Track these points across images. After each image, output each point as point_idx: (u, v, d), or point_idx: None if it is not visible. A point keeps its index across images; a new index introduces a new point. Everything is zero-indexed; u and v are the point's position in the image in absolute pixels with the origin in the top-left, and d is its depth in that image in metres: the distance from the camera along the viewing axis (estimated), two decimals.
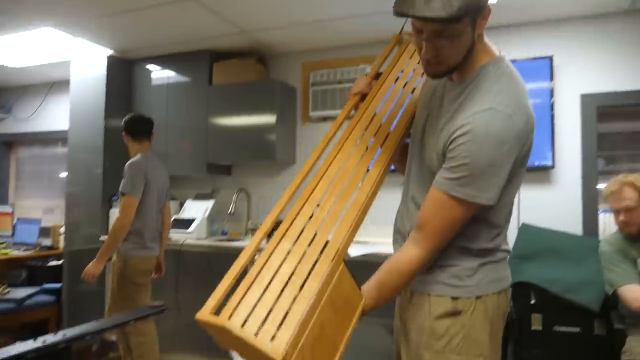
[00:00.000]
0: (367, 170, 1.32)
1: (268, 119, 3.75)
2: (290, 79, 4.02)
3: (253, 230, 4.05)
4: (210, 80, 4.03)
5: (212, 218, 4.00)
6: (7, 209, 5.04)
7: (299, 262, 1.08)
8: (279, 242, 1.11)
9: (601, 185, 3.13)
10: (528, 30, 3.29)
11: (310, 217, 1.18)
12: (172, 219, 3.92)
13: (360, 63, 3.77)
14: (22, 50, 4.10)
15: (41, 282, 4.12)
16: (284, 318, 0.97)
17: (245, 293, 0.99)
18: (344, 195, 1.25)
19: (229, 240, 3.88)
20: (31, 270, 4.31)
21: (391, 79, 1.51)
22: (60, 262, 4.27)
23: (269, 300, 0.99)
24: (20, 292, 3.75)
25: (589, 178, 3.18)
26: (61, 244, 4.43)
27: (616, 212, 2.25)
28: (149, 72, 4.30)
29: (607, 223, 3.10)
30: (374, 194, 1.31)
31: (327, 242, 1.15)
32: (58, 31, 3.62)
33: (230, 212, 3.95)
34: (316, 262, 1.10)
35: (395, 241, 1.40)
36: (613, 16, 3.16)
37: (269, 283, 1.02)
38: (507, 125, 1.10)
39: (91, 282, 2.83)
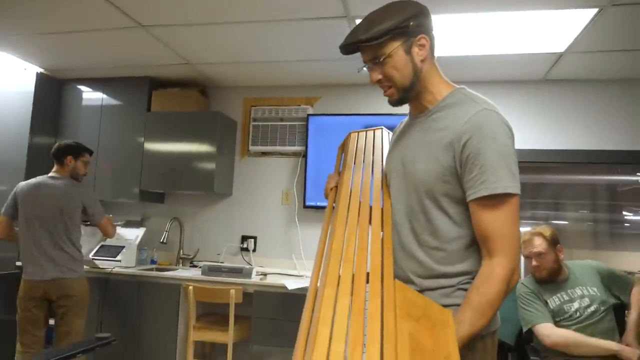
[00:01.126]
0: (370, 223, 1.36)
1: (208, 149, 3.79)
2: (229, 112, 4.10)
3: (184, 260, 4.00)
4: (148, 107, 4.01)
5: (142, 246, 3.91)
6: None
7: (351, 297, 1.05)
8: (323, 290, 1.08)
9: None
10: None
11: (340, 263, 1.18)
12: (100, 245, 3.80)
13: (301, 103, 3.96)
14: None
15: None
16: (364, 341, 0.94)
17: (315, 340, 0.95)
18: (362, 234, 1.27)
19: (157, 269, 3.81)
20: None
21: (350, 163, 1.63)
22: None
23: (341, 334, 0.95)
24: None
25: None
26: None
27: (528, 257, 2.56)
28: (81, 92, 4.18)
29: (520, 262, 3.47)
30: (387, 222, 1.33)
31: (367, 274, 1.14)
32: None
33: (163, 240, 3.89)
34: (366, 290, 1.09)
35: None
36: (530, 83, 3.62)
37: (332, 324, 0.98)
38: (502, 119, 1.21)
39: None
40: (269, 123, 3.95)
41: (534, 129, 3.60)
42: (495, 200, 1.16)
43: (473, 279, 1.19)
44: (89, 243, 3.79)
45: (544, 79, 3.58)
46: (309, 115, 3.84)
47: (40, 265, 2.91)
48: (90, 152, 3.23)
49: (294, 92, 4.03)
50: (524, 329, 2.51)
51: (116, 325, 3.46)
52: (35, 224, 2.95)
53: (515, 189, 1.16)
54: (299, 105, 3.94)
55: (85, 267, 3.17)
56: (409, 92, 1.31)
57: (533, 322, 2.46)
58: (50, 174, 3.07)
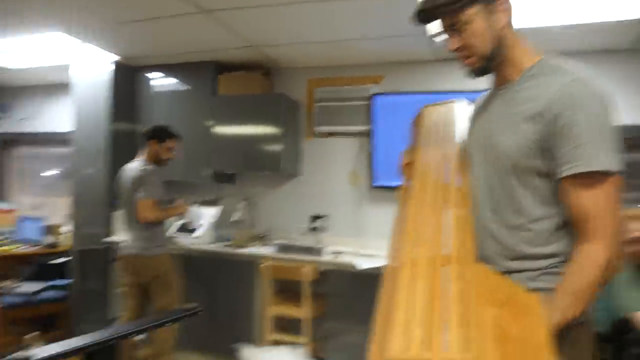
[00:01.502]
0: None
1: (273, 130, 3.89)
2: (294, 94, 4.15)
3: (257, 239, 4.18)
4: (214, 91, 4.13)
5: (217, 225, 4.11)
6: (5, 205, 5.07)
7: (429, 280, 0.99)
8: (400, 273, 1.02)
9: None
10: None
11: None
12: (180, 224, 4.03)
13: (366, 82, 3.94)
14: (25, 52, 4.07)
15: (46, 279, 4.16)
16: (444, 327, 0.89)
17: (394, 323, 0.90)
18: (439, 214, 1.20)
19: (233, 246, 4.00)
20: (39, 267, 4.31)
21: (425, 139, 1.55)
22: (62, 259, 4.32)
23: (419, 319, 0.90)
24: (31, 287, 3.90)
25: None
26: (63, 242, 4.53)
27: (624, 243, 2.34)
28: (152, 79, 4.36)
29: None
30: (466, 200, 1.26)
31: (446, 256, 1.07)
32: (66, 35, 3.62)
33: (236, 219, 4.08)
34: (446, 273, 1.02)
35: None
36: (617, 53, 3.37)
37: (410, 309, 0.92)
38: (598, 88, 1.12)
39: None
40: (334, 103, 3.97)
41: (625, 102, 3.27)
42: (592, 178, 1.08)
43: (562, 262, 1.14)
44: (168, 222, 4.02)
45: (632, 48, 3.30)
46: (374, 94, 3.82)
47: (125, 241, 3.24)
48: (177, 137, 3.33)
49: (358, 72, 4.01)
50: (621, 317, 2.35)
51: (197, 300, 3.69)
52: (118, 205, 3.32)
53: (615, 165, 1.08)
54: (364, 85, 3.92)
55: None
56: (491, 61, 1.24)
57: (632, 309, 2.31)
58: (136, 158, 3.27)
